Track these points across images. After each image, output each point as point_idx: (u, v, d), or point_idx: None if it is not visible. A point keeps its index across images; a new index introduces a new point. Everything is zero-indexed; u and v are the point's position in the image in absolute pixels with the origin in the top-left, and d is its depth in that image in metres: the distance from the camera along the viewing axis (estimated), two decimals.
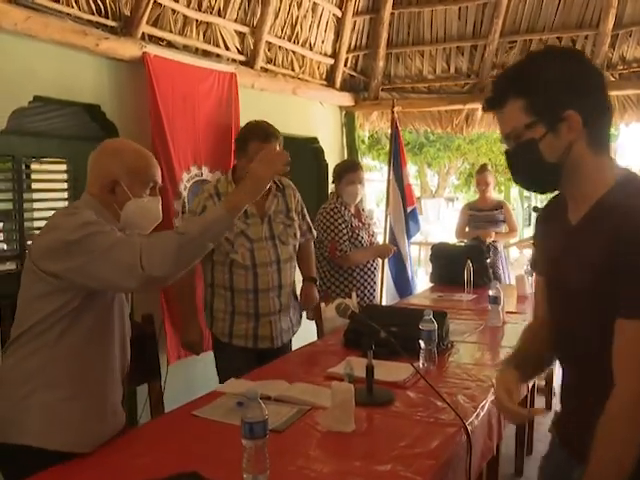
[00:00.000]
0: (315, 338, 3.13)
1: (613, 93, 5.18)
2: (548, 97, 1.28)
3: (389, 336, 1.99)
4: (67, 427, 1.65)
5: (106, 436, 1.69)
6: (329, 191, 5.16)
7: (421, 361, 2.31)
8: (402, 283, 5.30)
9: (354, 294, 3.27)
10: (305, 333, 3.19)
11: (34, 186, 7.03)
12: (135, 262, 1.59)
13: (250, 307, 2.80)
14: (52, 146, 6.51)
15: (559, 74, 1.29)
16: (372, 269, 3.81)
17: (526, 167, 1.35)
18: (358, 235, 3.73)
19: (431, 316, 2.33)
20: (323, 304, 3.16)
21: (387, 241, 5.23)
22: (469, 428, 1.78)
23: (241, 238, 2.76)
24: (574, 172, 1.31)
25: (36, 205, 6.89)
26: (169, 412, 2.05)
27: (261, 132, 2.72)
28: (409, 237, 5.41)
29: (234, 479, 1.44)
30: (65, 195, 7.27)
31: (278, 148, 2.70)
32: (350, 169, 3.81)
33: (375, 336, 1.99)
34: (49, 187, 6.97)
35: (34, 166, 7.09)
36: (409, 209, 5.45)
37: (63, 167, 6.99)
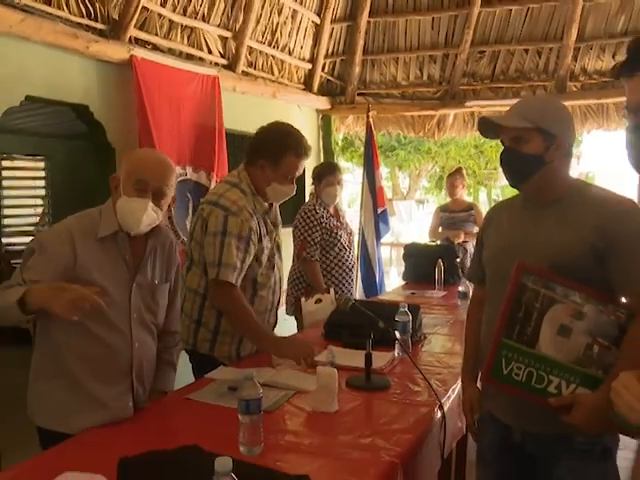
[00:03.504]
0: (295, 332, 3.28)
1: (575, 102, 5.47)
2: None
3: (387, 327, 2.20)
4: (60, 412, 1.81)
5: (96, 423, 1.79)
6: (305, 192, 5.32)
7: (397, 350, 2.48)
8: (369, 282, 5.51)
9: (332, 290, 3.42)
10: (285, 328, 3.34)
11: (22, 184, 7.06)
12: None
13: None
14: (40, 144, 6.53)
15: None
16: (350, 267, 3.97)
17: None
18: (337, 234, 3.86)
19: (406, 308, 2.51)
20: (303, 299, 3.31)
21: (359, 241, 5.43)
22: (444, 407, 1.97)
23: (268, 256, 2.50)
24: None
25: (15, 202, 6.92)
26: (162, 397, 2.17)
27: (300, 148, 2.45)
28: (378, 238, 5.61)
29: (231, 451, 1.58)
30: (43, 192, 7.28)
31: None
32: (329, 171, 3.95)
33: (372, 326, 2.17)
34: (31, 185, 6.98)
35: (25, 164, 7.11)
36: (380, 210, 5.65)
37: (47, 164, 7.01)
